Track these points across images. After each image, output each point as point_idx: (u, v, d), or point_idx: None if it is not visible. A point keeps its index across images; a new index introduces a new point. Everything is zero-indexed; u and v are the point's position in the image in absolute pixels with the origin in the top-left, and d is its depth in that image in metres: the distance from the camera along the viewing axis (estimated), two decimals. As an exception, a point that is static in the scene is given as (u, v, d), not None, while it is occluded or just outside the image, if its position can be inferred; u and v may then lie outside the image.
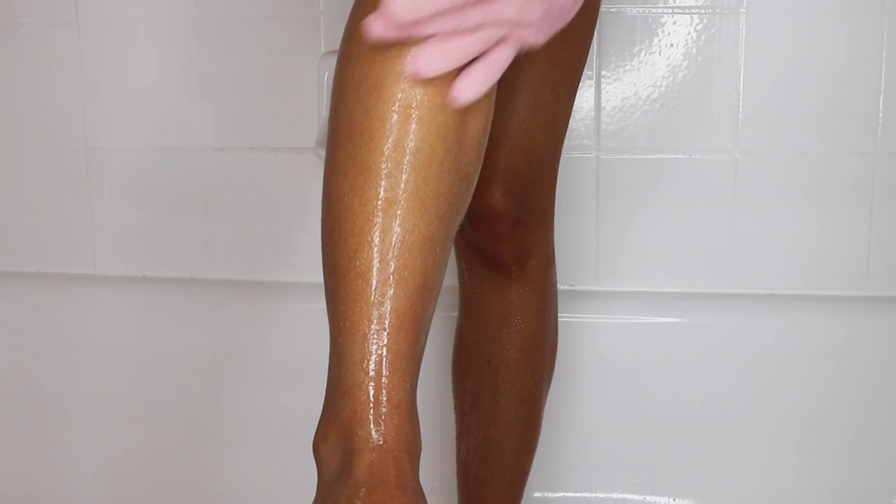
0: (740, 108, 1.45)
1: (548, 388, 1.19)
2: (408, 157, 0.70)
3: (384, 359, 0.69)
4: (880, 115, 1.43)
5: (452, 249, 1.13)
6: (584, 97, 1.47)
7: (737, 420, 1.45)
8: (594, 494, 1.47)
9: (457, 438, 1.20)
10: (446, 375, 1.20)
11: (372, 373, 0.68)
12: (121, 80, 1.56)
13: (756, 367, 1.44)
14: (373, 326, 0.69)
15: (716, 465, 1.45)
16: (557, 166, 1.12)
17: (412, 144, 0.70)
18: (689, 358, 1.45)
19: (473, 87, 0.72)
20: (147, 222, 1.59)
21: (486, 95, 0.74)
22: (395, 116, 0.70)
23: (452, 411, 1.20)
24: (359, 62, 0.72)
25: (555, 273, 1.17)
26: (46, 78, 1.57)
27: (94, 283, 1.59)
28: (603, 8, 1.44)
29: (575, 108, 1.46)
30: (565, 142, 1.47)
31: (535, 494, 1.46)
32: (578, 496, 1.47)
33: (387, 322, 0.69)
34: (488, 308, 1.13)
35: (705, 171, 1.47)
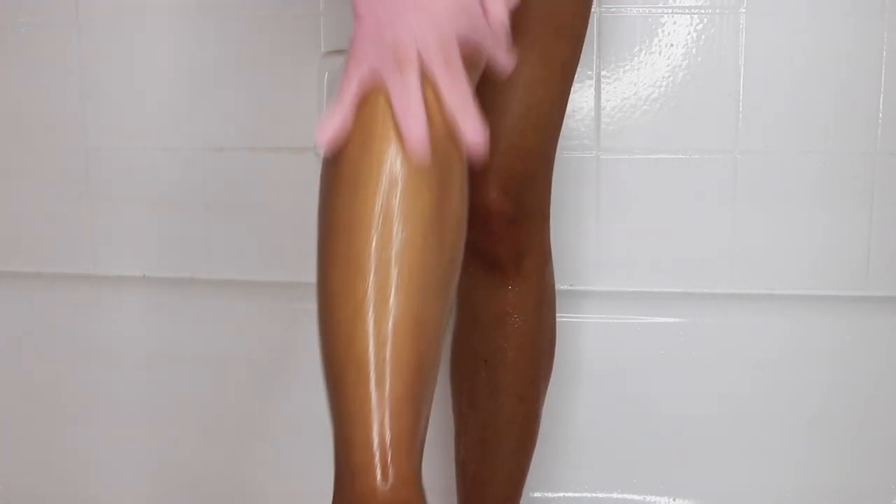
0: (740, 108, 1.45)
1: (546, 388, 1.19)
2: (395, 250, 0.73)
3: (387, 440, 0.71)
4: (880, 115, 1.43)
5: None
6: (584, 97, 1.47)
7: (737, 420, 1.45)
8: (594, 494, 1.47)
9: (455, 438, 1.19)
10: (445, 375, 1.20)
11: (378, 454, 0.71)
12: (121, 80, 1.56)
13: (756, 366, 1.44)
14: (374, 411, 0.71)
15: (716, 465, 1.45)
16: (552, 165, 1.12)
17: (398, 238, 0.73)
18: (689, 358, 1.45)
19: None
20: (147, 222, 1.59)
21: (460, 174, 0.78)
22: (378, 211, 0.74)
23: (451, 411, 1.20)
24: (341, 160, 0.76)
25: (552, 272, 1.17)
26: (46, 78, 1.58)
27: (94, 283, 1.59)
28: (603, 8, 1.45)
29: (575, 108, 1.47)
30: (566, 142, 1.47)
31: (535, 494, 1.46)
32: (578, 496, 1.47)
33: (387, 406, 0.71)
34: (484, 307, 1.13)
35: (705, 171, 1.47)
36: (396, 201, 0.74)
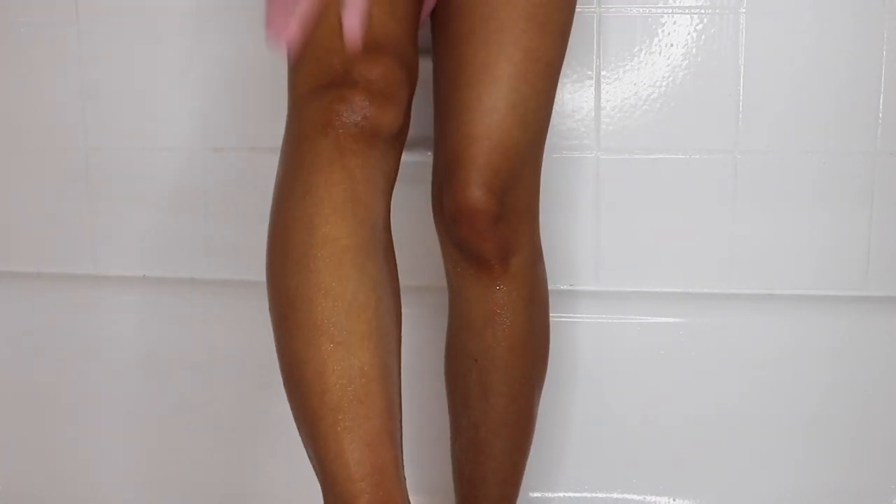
0: (740, 108, 1.45)
1: (540, 387, 1.19)
2: (354, 312, 0.82)
3: (372, 471, 0.78)
4: (880, 115, 1.43)
5: (439, 249, 1.14)
6: (584, 97, 1.47)
7: (737, 420, 1.45)
8: (594, 494, 1.47)
9: (451, 438, 1.19)
10: (440, 375, 1.20)
11: (366, 484, 0.78)
12: (121, 80, 1.56)
13: (756, 366, 1.44)
14: (355, 448, 0.79)
15: (716, 465, 1.45)
16: (540, 163, 1.12)
17: (355, 301, 0.83)
18: (689, 358, 1.45)
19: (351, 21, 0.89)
20: (147, 222, 1.59)
21: (388, 242, 0.90)
22: (333, 282, 0.83)
23: (447, 411, 1.20)
24: (284, 234, 0.87)
25: (543, 270, 1.16)
26: (46, 78, 1.58)
27: (94, 283, 1.60)
28: (603, 8, 1.45)
29: (575, 107, 1.47)
30: (566, 142, 1.48)
31: (535, 494, 1.46)
32: (578, 496, 1.47)
33: (366, 441, 0.79)
34: (474, 307, 1.13)
35: (705, 171, 1.47)
36: (348, 271, 0.83)
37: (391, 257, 0.90)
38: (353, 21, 0.87)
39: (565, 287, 1.51)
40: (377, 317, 0.83)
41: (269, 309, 0.88)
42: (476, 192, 1.05)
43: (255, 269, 1.57)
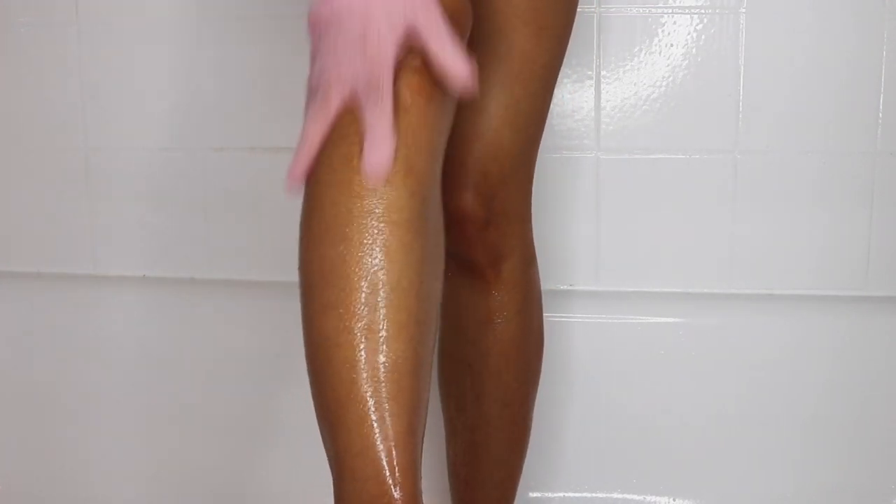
0: (740, 108, 1.45)
1: (535, 389, 1.17)
2: (391, 297, 0.76)
3: (396, 472, 0.74)
4: (880, 115, 1.43)
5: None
6: (584, 97, 1.47)
7: (737, 420, 1.45)
8: (594, 494, 1.47)
9: (446, 441, 1.19)
10: (435, 377, 1.20)
11: (389, 484, 0.74)
12: (121, 80, 1.56)
13: (756, 367, 1.44)
14: (381, 446, 0.74)
15: (716, 465, 1.45)
16: (533, 166, 1.09)
17: (397, 286, 0.76)
18: (689, 358, 1.45)
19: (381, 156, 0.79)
20: (147, 222, 1.59)
21: (438, 214, 0.82)
22: (372, 263, 0.77)
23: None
24: (325, 198, 0.81)
25: (536, 273, 1.14)
26: (46, 78, 1.58)
27: (94, 283, 1.60)
28: (603, 8, 1.45)
29: (575, 108, 1.47)
30: (566, 142, 1.48)
31: (534, 494, 1.46)
32: (578, 496, 1.47)
33: (392, 441, 0.74)
34: (467, 313, 1.11)
35: (705, 171, 1.47)
36: (394, 252, 0.77)
37: (439, 231, 0.83)
38: (380, 157, 0.79)
39: (565, 287, 1.51)
40: (418, 303, 0.77)
41: (300, 275, 0.82)
42: (465, 197, 1.03)
43: (256, 269, 1.58)
